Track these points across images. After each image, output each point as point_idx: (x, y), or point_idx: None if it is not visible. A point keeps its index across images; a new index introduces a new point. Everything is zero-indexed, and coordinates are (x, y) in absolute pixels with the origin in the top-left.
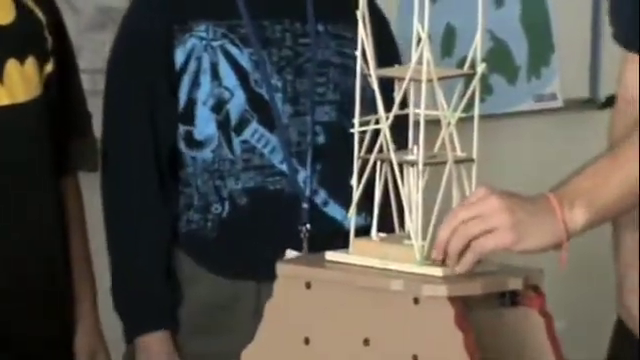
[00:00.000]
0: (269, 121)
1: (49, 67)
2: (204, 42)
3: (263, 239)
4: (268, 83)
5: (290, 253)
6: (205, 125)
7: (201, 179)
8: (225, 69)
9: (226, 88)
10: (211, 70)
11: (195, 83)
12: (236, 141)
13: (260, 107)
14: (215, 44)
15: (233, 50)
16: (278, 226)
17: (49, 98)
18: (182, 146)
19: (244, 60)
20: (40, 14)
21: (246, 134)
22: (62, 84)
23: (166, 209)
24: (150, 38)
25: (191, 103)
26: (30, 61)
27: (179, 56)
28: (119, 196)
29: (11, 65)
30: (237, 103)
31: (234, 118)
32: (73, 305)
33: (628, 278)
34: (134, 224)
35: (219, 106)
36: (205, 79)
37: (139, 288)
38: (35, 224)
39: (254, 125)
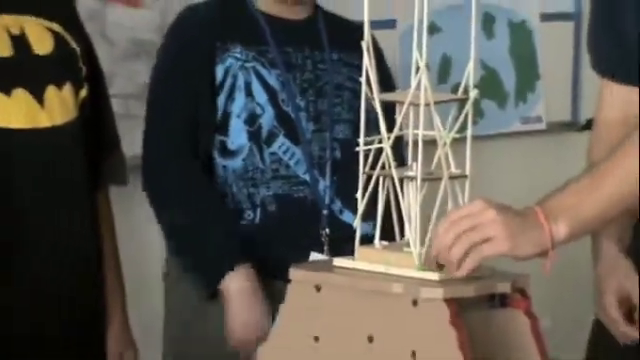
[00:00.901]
0: (294, 136)
1: (83, 92)
2: (239, 62)
3: (290, 242)
4: (294, 102)
5: (314, 255)
6: (238, 136)
7: (236, 186)
8: (257, 87)
9: (258, 104)
10: (245, 87)
11: (230, 97)
12: (266, 152)
13: (287, 123)
14: (248, 65)
15: (263, 71)
16: (302, 230)
17: (83, 120)
18: (215, 155)
19: (272, 80)
20: (75, 45)
21: (274, 146)
22: (95, 108)
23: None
24: (197, 50)
25: (226, 115)
26: (67, 87)
27: (219, 72)
28: (166, 166)
29: (50, 91)
30: (267, 117)
31: (265, 131)
32: (105, 309)
33: (606, 283)
34: (188, 194)
35: (252, 119)
36: (240, 95)
37: (209, 240)
38: (72, 232)
39: (281, 139)
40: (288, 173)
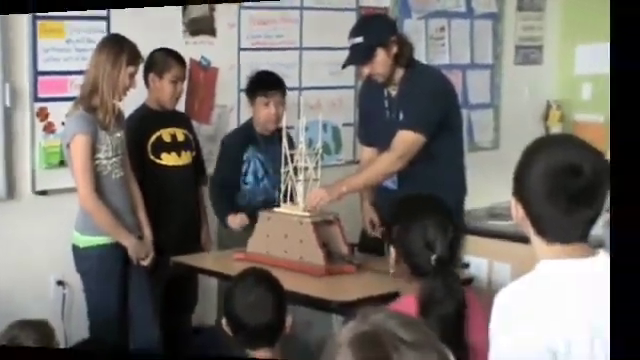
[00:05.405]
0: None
1: (194, 153)
2: (252, 153)
3: (264, 206)
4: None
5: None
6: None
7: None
8: (256, 164)
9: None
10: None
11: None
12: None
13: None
14: (251, 155)
15: (258, 155)
16: (269, 204)
17: (194, 162)
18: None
19: (263, 160)
20: (191, 137)
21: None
22: (197, 158)
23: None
24: (234, 148)
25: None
26: (188, 151)
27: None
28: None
29: (183, 153)
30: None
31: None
32: (200, 227)
33: (364, 216)
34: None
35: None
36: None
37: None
38: (191, 205)
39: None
40: (267, 192)
